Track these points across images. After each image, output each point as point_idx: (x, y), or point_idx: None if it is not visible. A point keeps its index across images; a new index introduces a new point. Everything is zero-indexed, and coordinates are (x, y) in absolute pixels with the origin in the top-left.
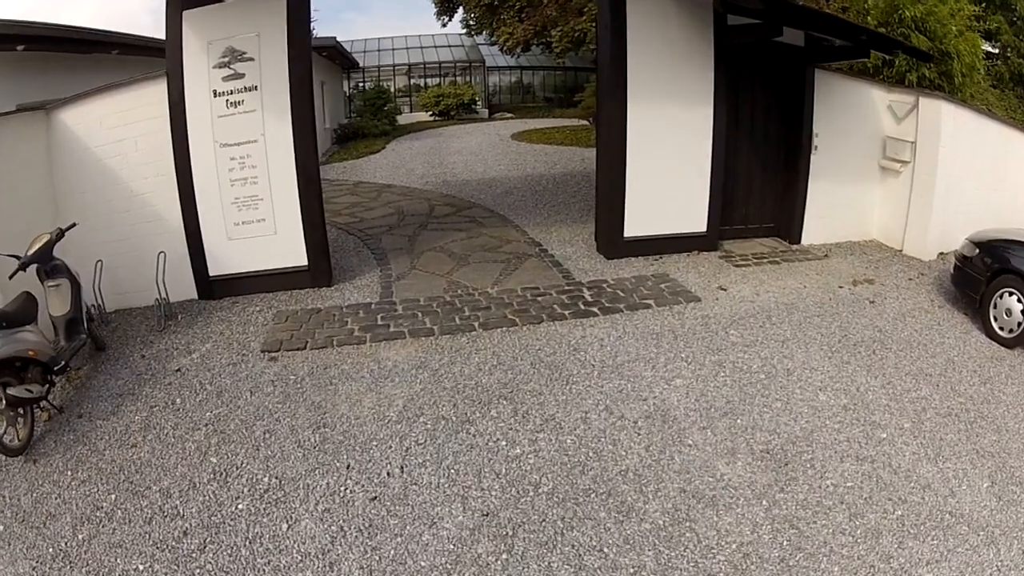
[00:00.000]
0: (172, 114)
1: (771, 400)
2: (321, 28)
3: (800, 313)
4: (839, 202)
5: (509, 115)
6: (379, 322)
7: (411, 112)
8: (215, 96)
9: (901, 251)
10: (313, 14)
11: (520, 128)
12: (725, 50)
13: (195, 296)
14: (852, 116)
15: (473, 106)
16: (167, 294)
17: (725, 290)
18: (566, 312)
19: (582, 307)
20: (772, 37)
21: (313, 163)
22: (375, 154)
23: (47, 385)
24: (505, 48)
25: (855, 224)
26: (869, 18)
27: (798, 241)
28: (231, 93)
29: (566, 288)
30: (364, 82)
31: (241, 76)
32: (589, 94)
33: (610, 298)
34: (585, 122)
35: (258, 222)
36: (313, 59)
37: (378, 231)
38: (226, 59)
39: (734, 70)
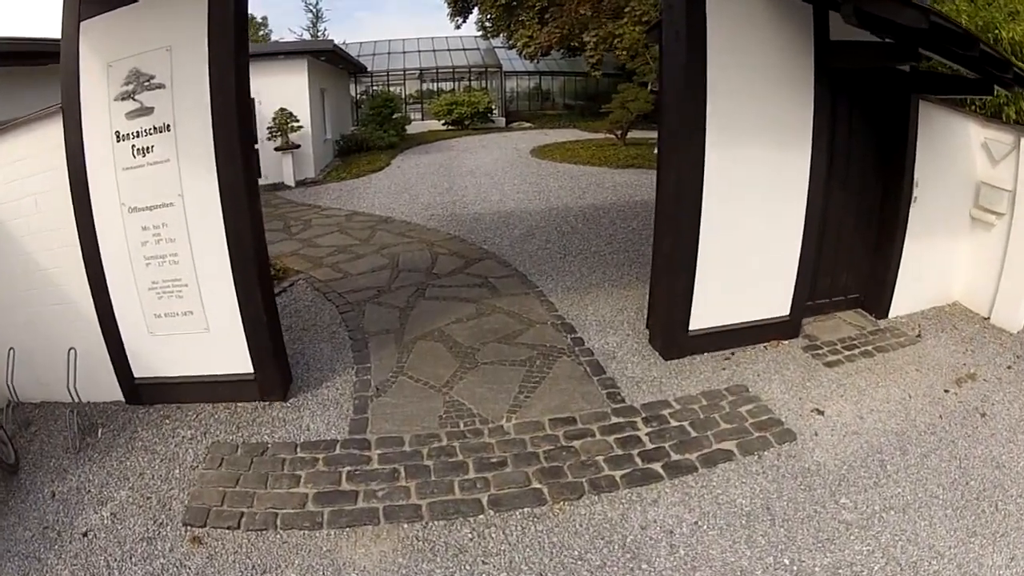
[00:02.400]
0: (70, 167)
1: None
2: (333, 28)
3: (914, 448)
4: (927, 262)
5: (528, 124)
6: (343, 485)
7: (422, 120)
8: (118, 140)
9: (987, 319)
10: (325, 13)
11: (540, 141)
12: (824, 73)
13: (122, 398)
14: (945, 156)
15: (489, 115)
16: (80, 397)
17: (822, 413)
18: (617, 473)
19: (639, 462)
20: (899, 63)
21: (255, 233)
22: (378, 172)
23: None
24: (524, 54)
25: (939, 286)
26: None
27: (885, 314)
28: (137, 136)
29: (614, 420)
30: (373, 86)
31: (149, 111)
32: (617, 105)
33: (677, 440)
34: (612, 136)
35: (184, 315)
36: (310, 65)
37: (363, 296)
38: (130, 87)
39: (829, 99)
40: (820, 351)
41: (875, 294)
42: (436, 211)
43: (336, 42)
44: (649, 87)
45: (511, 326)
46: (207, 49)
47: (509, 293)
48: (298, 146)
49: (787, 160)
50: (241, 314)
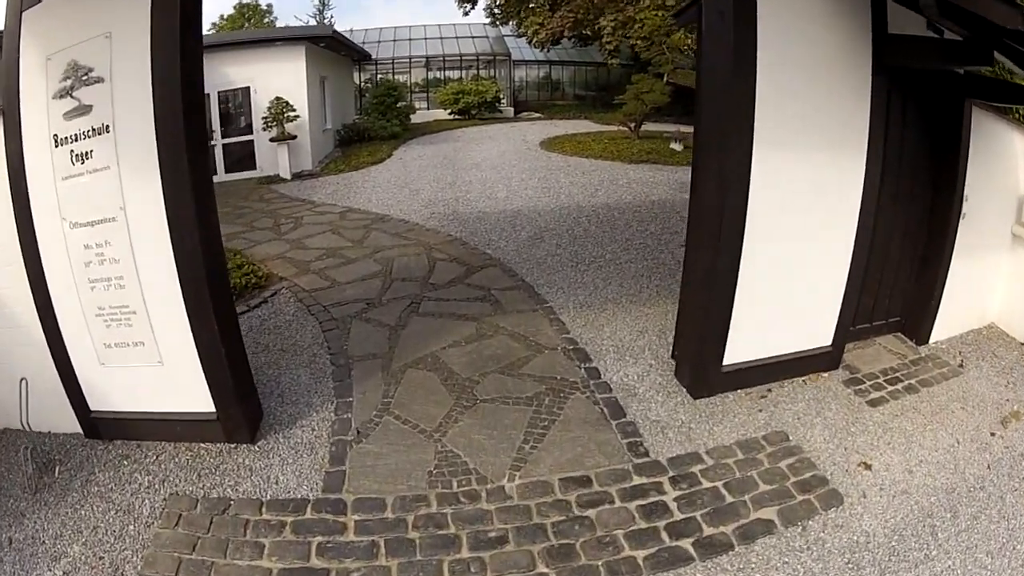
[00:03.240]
0: (11, 177)
1: None
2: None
3: (964, 508)
4: (969, 283)
5: (537, 115)
6: (313, 560)
7: (428, 109)
8: (56, 145)
9: None
10: (332, 1)
11: (550, 133)
12: (882, 71)
13: (81, 430)
14: (991, 167)
15: (497, 104)
16: (38, 428)
17: (870, 468)
18: (640, 554)
19: (666, 538)
20: (970, 65)
21: (209, 251)
22: (378, 164)
23: None
24: (535, 42)
25: (977, 308)
26: None
27: (926, 339)
28: (75, 139)
29: (636, 480)
30: (379, 74)
31: (87, 110)
32: (631, 96)
33: (710, 508)
34: (625, 128)
35: (135, 346)
36: (309, 52)
37: (350, 311)
38: (68, 82)
39: (885, 101)
40: (862, 385)
41: (917, 317)
42: (437, 209)
43: (342, 30)
44: (665, 78)
45: (516, 352)
46: (149, 34)
47: (514, 309)
48: (294, 137)
49: (840, 168)
50: (196, 347)
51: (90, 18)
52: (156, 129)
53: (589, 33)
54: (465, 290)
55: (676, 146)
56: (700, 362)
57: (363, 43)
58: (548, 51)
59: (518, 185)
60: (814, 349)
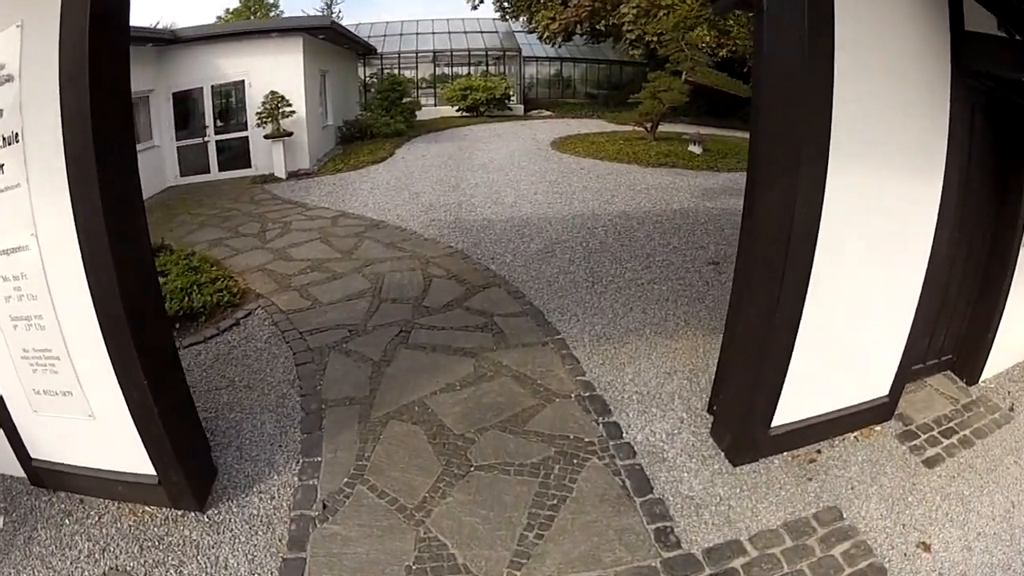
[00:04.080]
0: None
1: None
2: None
3: None
4: (1019, 314)
5: (547, 113)
6: None
7: (435, 106)
8: None
9: None
10: None
11: (561, 132)
12: (962, 78)
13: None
14: None
15: (506, 101)
16: None
17: (928, 548)
18: None
19: None
20: None
21: (136, 286)
22: (379, 163)
23: None
24: (545, 36)
25: (1019, 337)
26: None
27: (977, 378)
28: None
29: None
30: (385, 69)
31: None
32: (648, 94)
33: None
34: (641, 128)
35: (63, 395)
36: (307, 44)
37: (329, 339)
38: None
39: (968, 116)
40: (917, 440)
41: (969, 355)
42: (437, 215)
43: (350, 24)
44: (683, 76)
45: (521, 400)
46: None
47: (520, 342)
48: (290, 134)
49: (913, 185)
50: (126, 403)
51: (4, 2)
52: (63, 138)
53: (603, 28)
54: (463, 316)
55: (695, 149)
56: (746, 423)
57: (369, 37)
58: (560, 47)
59: (527, 189)
60: (870, 401)
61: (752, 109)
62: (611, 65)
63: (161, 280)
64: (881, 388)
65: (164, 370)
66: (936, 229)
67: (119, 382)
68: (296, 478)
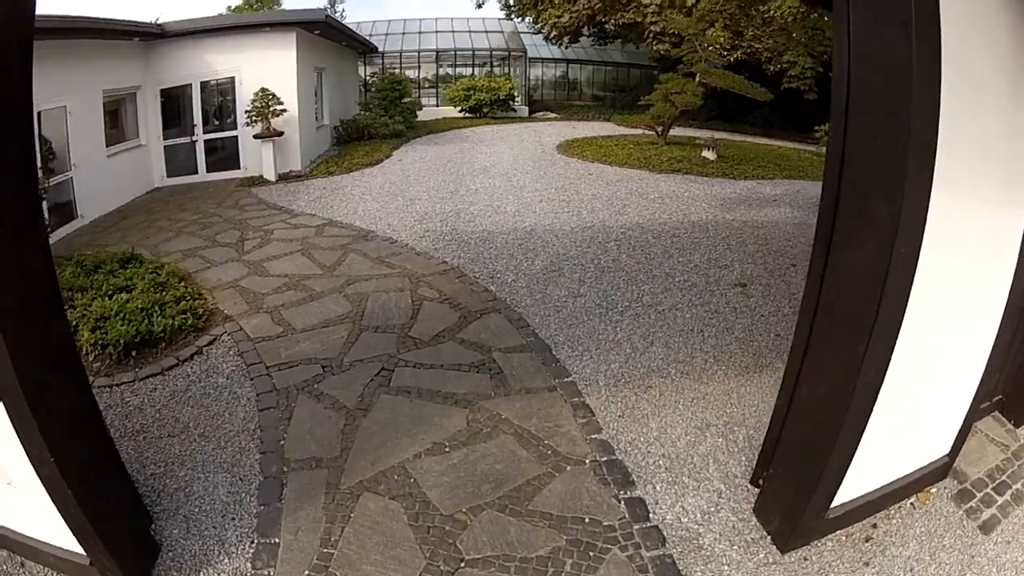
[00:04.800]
0: None
1: None
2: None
3: None
4: None
5: (552, 115)
6: None
7: (437, 107)
8: None
9: None
10: None
11: (568, 135)
12: None
13: None
14: None
15: (511, 103)
16: None
17: None
18: None
19: None
20: None
21: (30, 335)
22: (374, 166)
23: None
24: (552, 36)
25: None
26: None
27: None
28: None
29: None
30: (387, 68)
31: None
32: (659, 97)
33: None
34: (651, 132)
35: None
36: (301, 40)
37: (299, 376)
38: None
39: None
40: (972, 500)
41: (1019, 395)
42: (433, 225)
43: (353, 22)
44: (697, 78)
45: (524, 467)
46: None
47: (523, 387)
48: (281, 133)
49: (1000, 213)
50: (36, 472)
51: None
52: None
53: (612, 28)
54: (456, 350)
55: (709, 154)
56: (801, 507)
57: (370, 35)
58: (566, 47)
59: (531, 197)
60: (930, 464)
61: (834, 119)
62: (618, 67)
63: (124, 297)
64: (943, 447)
65: (76, 434)
66: (1019, 258)
67: (24, 448)
68: (249, 564)
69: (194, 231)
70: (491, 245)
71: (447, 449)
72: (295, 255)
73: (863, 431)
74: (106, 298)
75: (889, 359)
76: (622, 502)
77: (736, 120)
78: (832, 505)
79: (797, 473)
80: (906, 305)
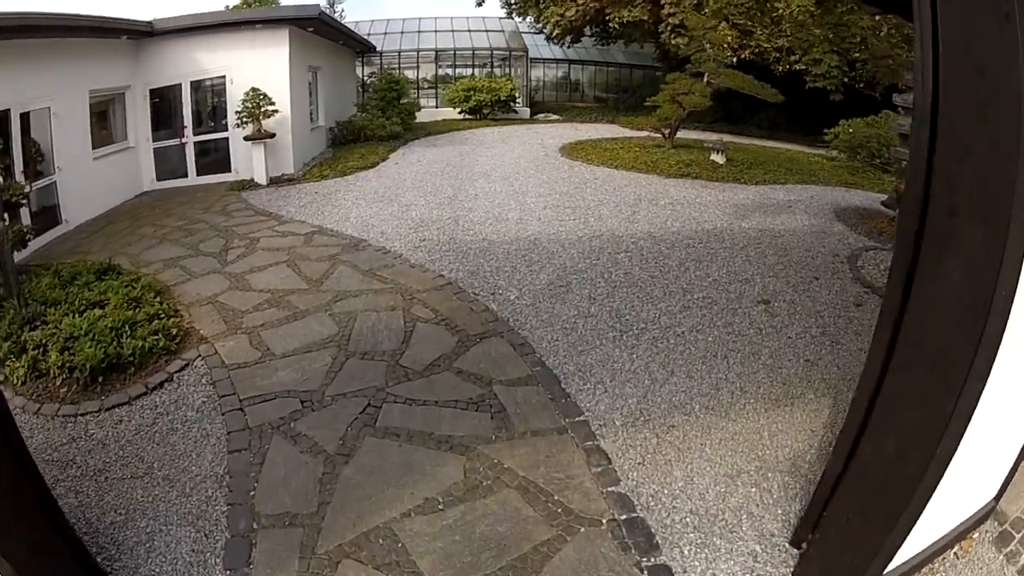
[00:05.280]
0: None
1: None
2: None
3: None
4: None
5: (555, 116)
6: None
7: (436, 108)
8: None
9: None
10: None
11: (571, 137)
12: None
13: None
14: None
15: (512, 104)
16: None
17: None
18: None
19: None
20: None
21: None
22: (369, 169)
23: None
24: (554, 34)
25: None
26: None
27: None
28: None
29: None
30: (389, 68)
31: None
32: (666, 98)
33: None
34: (658, 134)
35: None
36: (294, 38)
37: (276, 412)
38: None
39: None
40: (1012, 544)
41: None
42: (429, 233)
43: (352, 23)
44: (705, 79)
45: (530, 529)
46: None
47: (529, 428)
48: (273, 135)
49: None
50: None
51: None
52: None
53: (616, 27)
54: (453, 383)
55: (718, 158)
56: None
57: (368, 34)
58: (568, 47)
59: (535, 203)
60: (977, 512)
61: (917, 130)
62: (620, 68)
63: (96, 314)
64: (990, 492)
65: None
66: None
67: None
68: None
69: (178, 238)
70: (492, 256)
71: (441, 506)
72: (280, 266)
73: (934, 491)
74: (77, 315)
75: (973, 413)
76: (645, 571)
77: (741, 122)
78: (891, 568)
79: (852, 539)
80: (998, 347)
